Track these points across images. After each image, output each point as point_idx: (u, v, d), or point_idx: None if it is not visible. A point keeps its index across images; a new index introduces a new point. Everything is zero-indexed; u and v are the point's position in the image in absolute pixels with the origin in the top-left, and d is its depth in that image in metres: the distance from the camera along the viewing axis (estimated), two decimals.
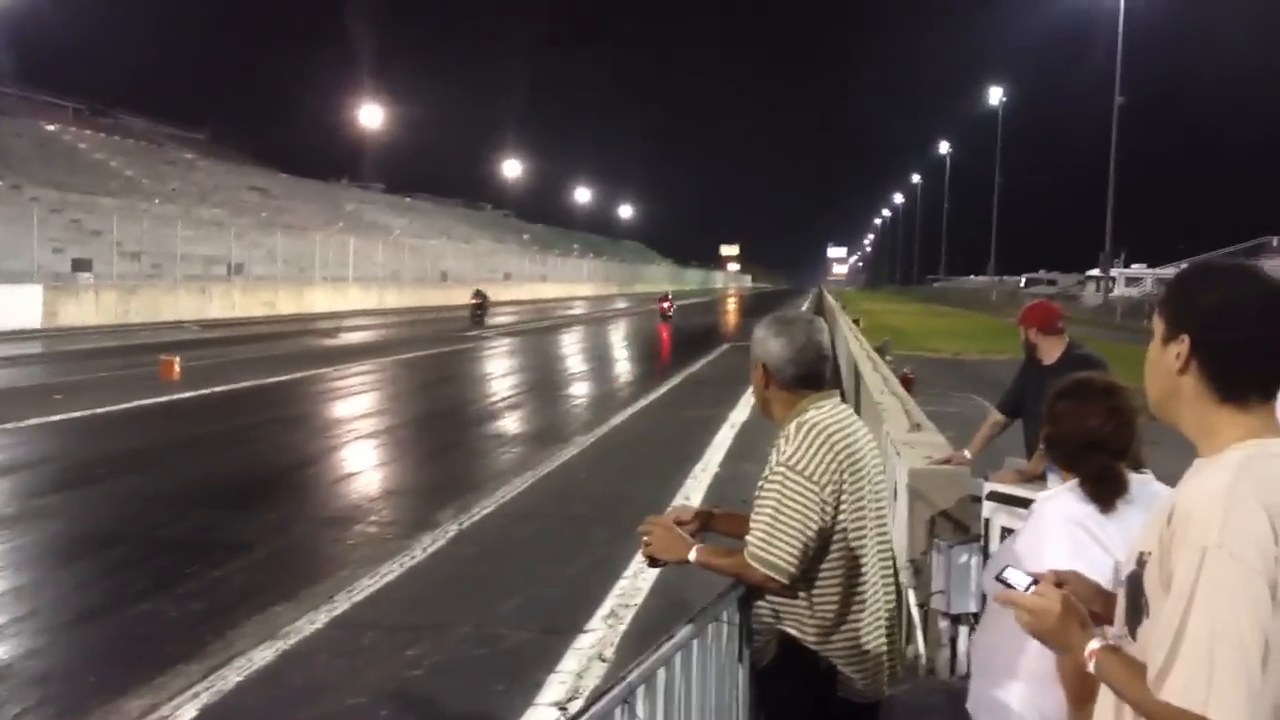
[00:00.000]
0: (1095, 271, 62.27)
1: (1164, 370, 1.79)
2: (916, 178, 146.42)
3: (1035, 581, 1.97)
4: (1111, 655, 1.77)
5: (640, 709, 2.46)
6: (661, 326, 42.28)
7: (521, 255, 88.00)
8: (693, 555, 3.05)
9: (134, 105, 76.52)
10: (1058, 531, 2.68)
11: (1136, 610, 1.75)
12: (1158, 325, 1.82)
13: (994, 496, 5.09)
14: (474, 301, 40.14)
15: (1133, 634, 1.76)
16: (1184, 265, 2.05)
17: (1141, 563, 1.74)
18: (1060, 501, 2.77)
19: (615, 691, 2.37)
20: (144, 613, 6.60)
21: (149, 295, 37.21)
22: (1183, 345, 1.75)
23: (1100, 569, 2.44)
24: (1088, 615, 1.90)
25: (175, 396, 16.51)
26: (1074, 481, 2.78)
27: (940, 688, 5.15)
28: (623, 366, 27.61)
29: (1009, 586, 1.98)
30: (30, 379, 20.00)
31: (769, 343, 3.09)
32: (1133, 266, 71.52)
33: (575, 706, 4.29)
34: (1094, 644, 1.80)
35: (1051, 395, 2.98)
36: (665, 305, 45.59)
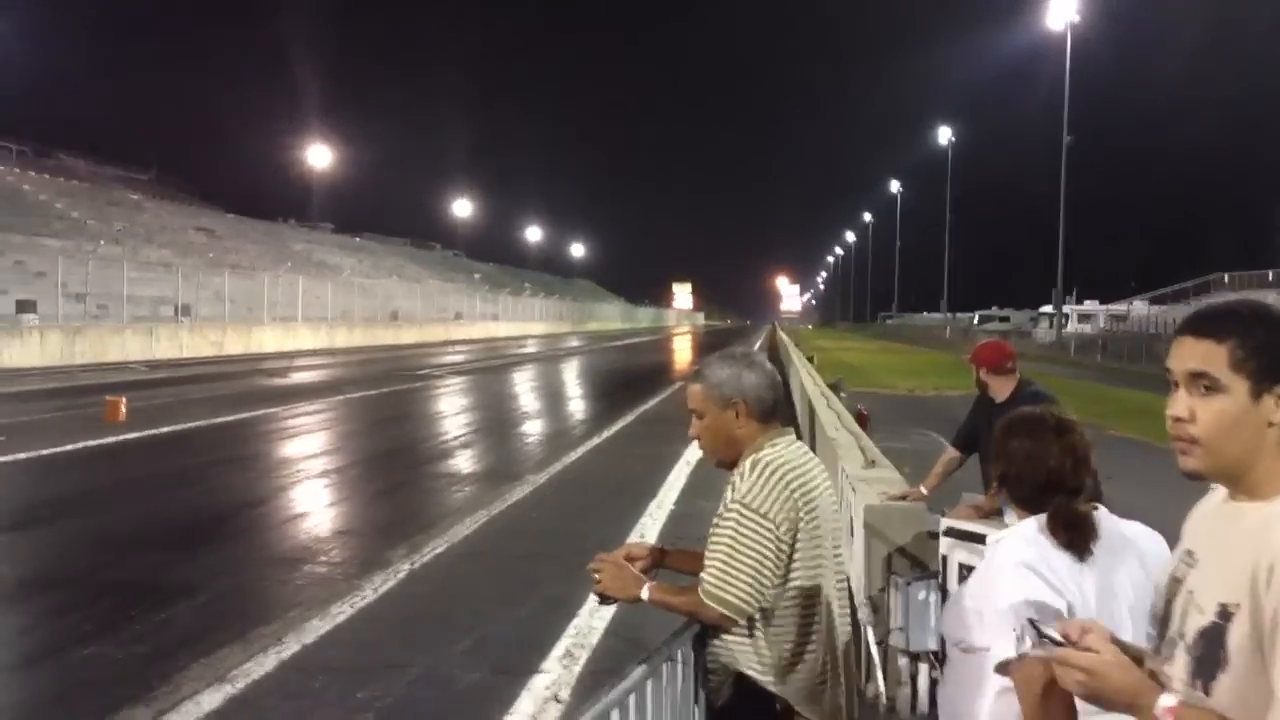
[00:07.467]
0: (1048, 308, 62.81)
1: (1254, 426, 1.72)
2: (869, 216, 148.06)
3: (1057, 642, 1.80)
4: (1195, 712, 1.67)
5: None
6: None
7: (472, 294, 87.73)
8: (645, 593, 3.01)
9: (78, 147, 75.91)
10: (1006, 574, 2.64)
11: (1213, 664, 1.67)
12: (1238, 381, 1.73)
13: (951, 533, 5.07)
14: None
15: (1205, 689, 1.68)
16: (1205, 307, 1.90)
17: (1225, 615, 1.66)
18: (1009, 543, 2.73)
19: None
20: (89, 656, 6.44)
21: (95, 336, 36.72)
22: None
23: (1044, 613, 2.42)
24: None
25: (121, 438, 16.26)
26: (1025, 522, 2.74)
27: None
28: (576, 405, 27.52)
29: (1046, 640, 1.80)
30: None
31: (743, 378, 3.08)
32: (1085, 303, 72.11)
33: None
34: (1168, 700, 1.68)
35: (1001, 432, 2.92)
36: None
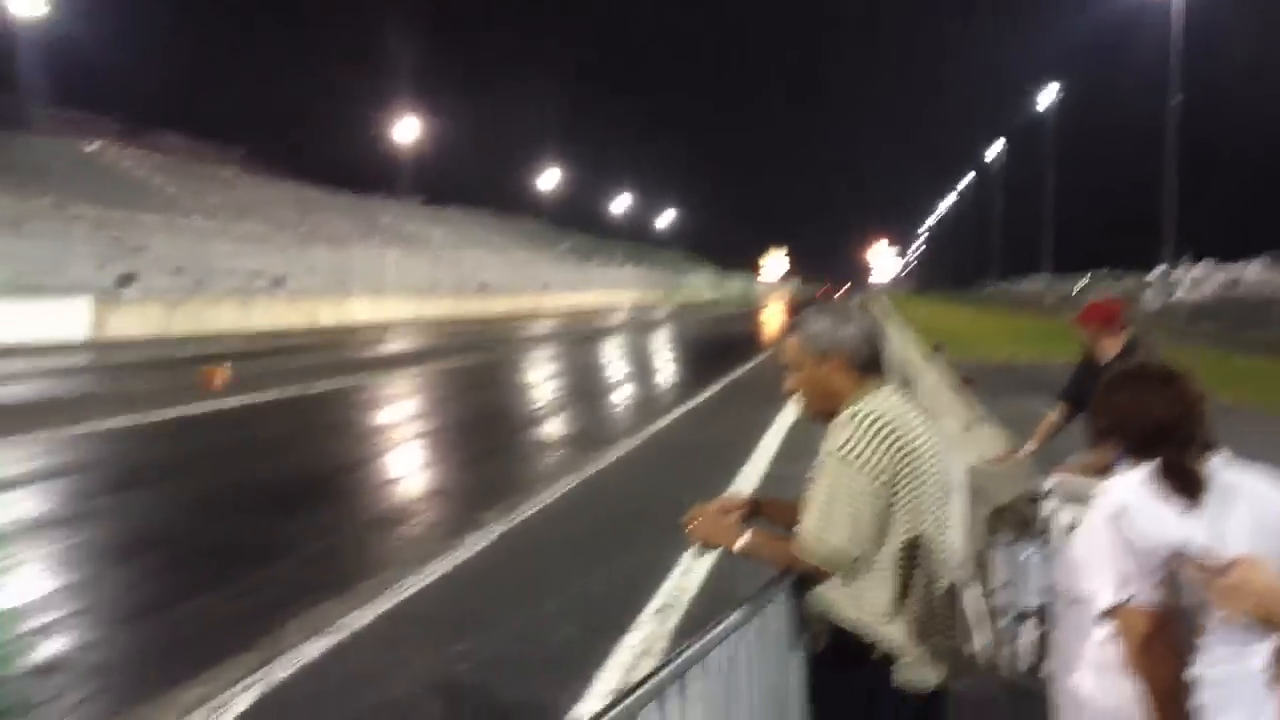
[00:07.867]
0: (1159, 271, 60.53)
1: None
2: (967, 179, 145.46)
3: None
4: None
5: (694, 688, 2.39)
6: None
7: (560, 264, 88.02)
8: (741, 541, 2.99)
9: (172, 123, 76.81)
10: (1109, 522, 2.58)
11: None
12: None
13: (1057, 491, 4.98)
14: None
15: None
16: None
17: None
18: (1113, 492, 2.66)
19: (669, 669, 2.30)
20: (194, 610, 6.63)
21: (193, 308, 37.56)
22: None
23: (1145, 561, 2.37)
24: None
25: (220, 405, 16.61)
26: (1132, 471, 2.66)
27: (1001, 683, 5.03)
28: (666, 372, 27.53)
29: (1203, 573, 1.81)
30: (81, 388, 20.19)
31: (840, 330, 3.02)
32: (1200, 265, 68.80)
33: None
34: None
35: (1106, 387, 2.83)
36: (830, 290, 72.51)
